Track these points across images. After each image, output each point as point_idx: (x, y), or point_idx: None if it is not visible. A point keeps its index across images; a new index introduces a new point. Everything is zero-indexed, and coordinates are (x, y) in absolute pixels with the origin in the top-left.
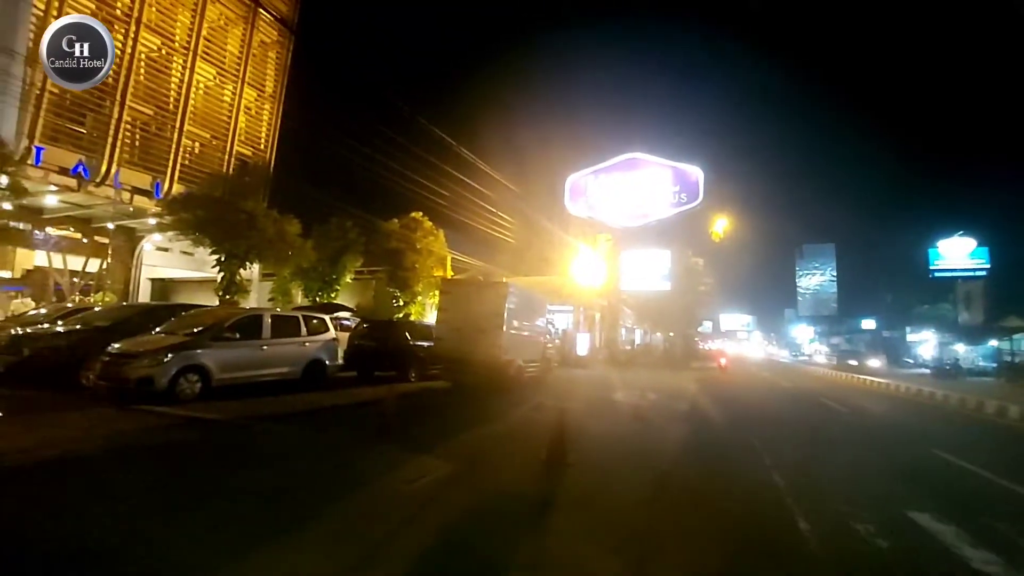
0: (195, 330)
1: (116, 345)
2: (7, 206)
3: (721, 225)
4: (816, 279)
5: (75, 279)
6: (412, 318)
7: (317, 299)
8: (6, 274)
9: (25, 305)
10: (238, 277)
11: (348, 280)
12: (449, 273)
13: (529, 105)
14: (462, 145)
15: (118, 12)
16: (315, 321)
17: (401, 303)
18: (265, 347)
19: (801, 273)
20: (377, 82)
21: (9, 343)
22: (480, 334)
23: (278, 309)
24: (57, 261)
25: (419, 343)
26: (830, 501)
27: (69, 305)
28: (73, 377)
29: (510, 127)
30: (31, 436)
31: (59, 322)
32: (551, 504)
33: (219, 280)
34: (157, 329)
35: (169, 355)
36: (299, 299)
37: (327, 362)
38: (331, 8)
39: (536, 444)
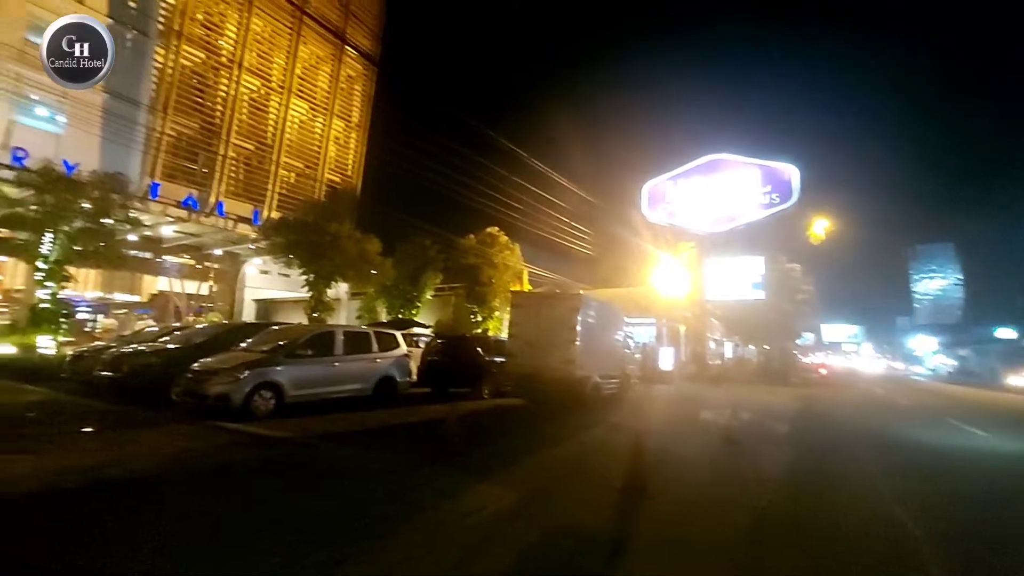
0: (270, 347)
1: (199, 362)
2: (133, 237)
3: (820, 226)
4: (936, 283)
5: (190, 301)
6: (490, 333)
7: (399, 316)
8: (135, 298)
9: (146, 325)
10: (325, 296)
11: (428, 297)
12: (526, 287)
13: (604, 113)
14: (537, 159)
15: (223, 59)
16: (386, 337)
17: (479, 318)
18: (337, 364)
19: (917, 277)
20: (453, 100)
21: (111, 361)
22: (553, 349)
23: (362, 326)
24: (176, 286)
25: (493, 359)
26: (980, 551)
27: (175, 324)
28: (165, 393)
29: (585, 137)
30: (103, 453)
31: (161, 340)
32: (626, 545)
33: (308, 299)
34: (241, 347)
35: (245, 372)
36: (384, 316)
37: (398, 379)
38: (411, 31)
39: (612, 471)
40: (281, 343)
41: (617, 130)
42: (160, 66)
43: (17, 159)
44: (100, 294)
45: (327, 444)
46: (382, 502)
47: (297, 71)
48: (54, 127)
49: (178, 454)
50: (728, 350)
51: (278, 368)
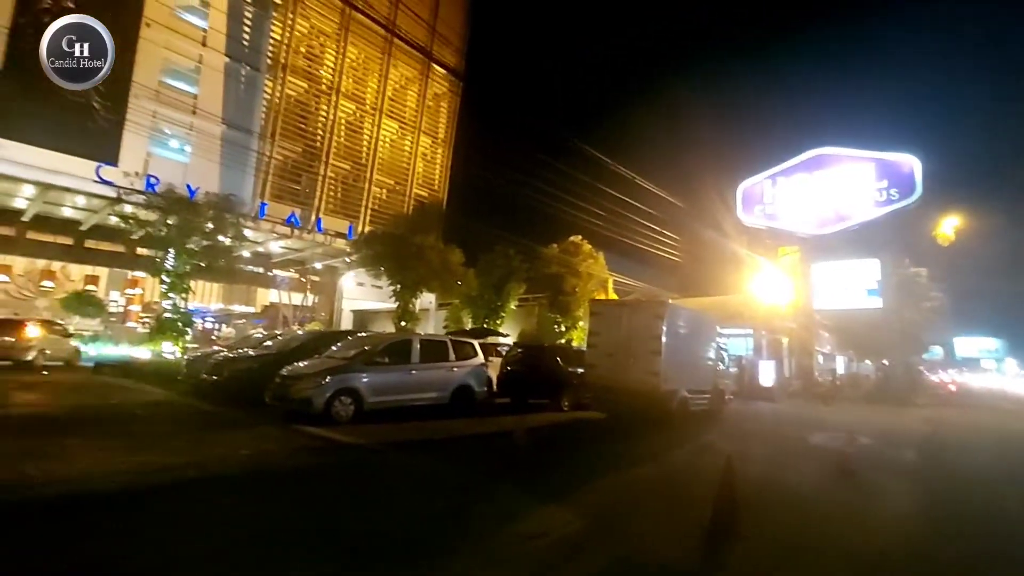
0: (351, 355)
1: (287, 368)
2: (246, 254)
3: (950, 225)
4: None
5: (296, 312)
6: (574, 344)
7: (484, 326)
8: (251, 309)
9: (256, 333)
10: (412, 306)
11: (512, 307)
12: (611, 296)
13: (691, 112)
14: (622, 163)
15: (323, 87)
16: (463, 346)
17: (563, 328)
18: (414, 372)
19: None
20: (535, 107)
21: (215, 365)
22: (635, 360)
23: (438, 335)
24: (284, 298)
25: (573, 370)
26: None
27: (277, 332)
28: (259, 396)
29: (672, 137)
30: (185, 453)
31: (262, 346)
32: None
33: (396, 309)
34: (326, 353)
35: (326, 378)
36: (469, 326)
37: (475, 388)
38: (495, 39)
39: (697, 500)
40: (360, 350)
41: (707, 128)
42: (268, 97)
43: (150, 186)
44: (221, 306)
45: (396, 453)
46: (441, 518)
47: (388, 93)
48: (183, 157)
49: (253, 457)
50: (840, 365)
51: (356, 375)
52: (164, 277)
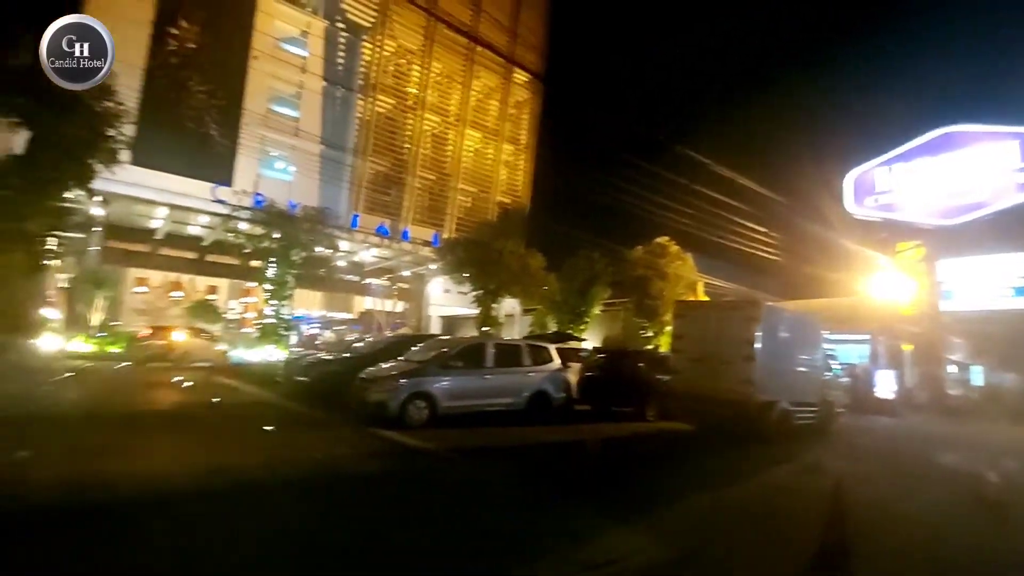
0: (425, 358)
1: (366, 371)
2: (343, 263)
3: None
4: None
5: (388, 318)
6: (661, 349)
7: (569, 331)
8: (349, 316)
9: (352, 338)
10: (493, 311)
11: (597, 312)
12: (702, 299)
13: (791, 97)
14: (712, 158)
15: (410, 102)
16: (540, 351)
17: (649, 333)
18: (488, 376)
19: None
20: (619, 105)
21: (304, 368)
22: (725, 367)
23: (515, 339)
24: (378, 304)
25: (658, 376)
26: None
27: (368, 337)
28: (342, 398)
29: (769, 126)
30: (261, 453)
31: (350, 350)
32: None
33: (478, 314)
34: (404, 356)
35: (400, 381)
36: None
37: (552, 394)
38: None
39: (800, 530)
40: (434, 354)
41: (808, 114)
42: (360, 115)
43: (258, 203)
44: (323, 312)
45: (465, 460)
46: (498, 536)
47: (471, 104)
48: (286, 176)
49: (323, 460)
50: (976, 376)
51: (430, 378)
52: (267, 286)
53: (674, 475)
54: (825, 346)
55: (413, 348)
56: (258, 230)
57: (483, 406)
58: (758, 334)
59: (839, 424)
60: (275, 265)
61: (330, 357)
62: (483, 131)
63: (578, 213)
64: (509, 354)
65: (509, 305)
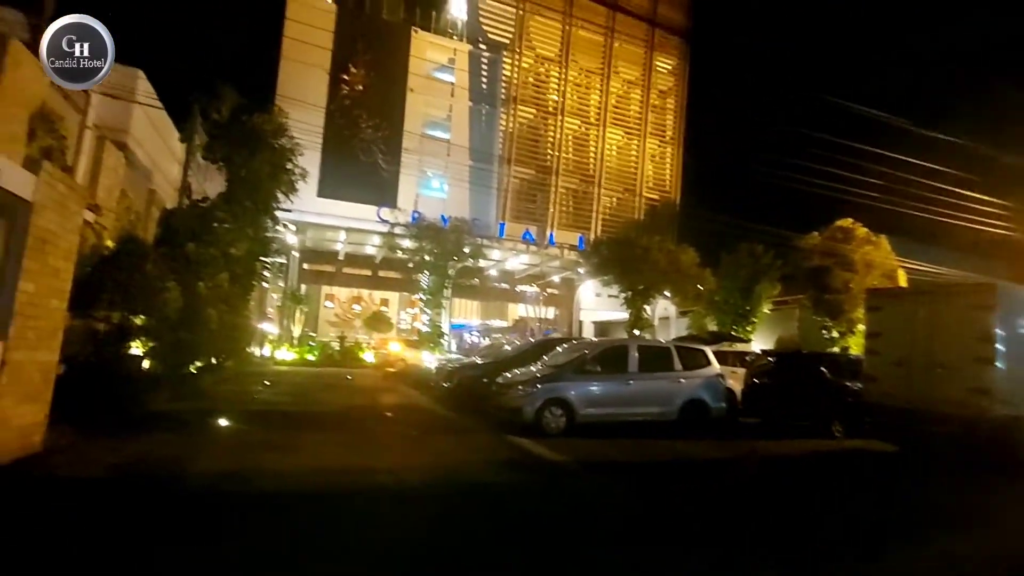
0: (562, 362)
1: (503, 376)
2: (494, 272)
3: None
4: None
5: (539, 324)
6: (851, 351)
7: (732, 332)
8: (504, 323)
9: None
10: (644, 313)
11: (765, 311)
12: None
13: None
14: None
15: (550, 108)
16: (693, 354)
17: (833, 334)
18: (631, 382)
19: None
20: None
21: (448, 373)
22: (943, 371)
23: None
24: (531, 311)
25: (846, 384)
26: None
27: (516, 342)
28: (482, 403)
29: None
30: (394, 457)
31: (497, 355)
32: None
33: (629, 317)
34: (543, 360)
35: (536, 387)
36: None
37: (710, 404)
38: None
39: None
40: (571, 358)
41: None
42: (504, 128)
43: (414, 219)
44: (481, 321)
45: (595, 476)
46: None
47: (611, 102)
48: (441, 193)
49: (451, 467)
50: None
51: (567, 384)
52: (422, 296)
53: (876, 511)
54: None
55: (553, 352)
56: (413, 244)
57: (627, 415)
58: (997, 325)
59: None
60: (429, 276)
61: (471, 362)
62: (625, 127)
63: (735, 204)
64: (656, 357)
65: (663, 307)
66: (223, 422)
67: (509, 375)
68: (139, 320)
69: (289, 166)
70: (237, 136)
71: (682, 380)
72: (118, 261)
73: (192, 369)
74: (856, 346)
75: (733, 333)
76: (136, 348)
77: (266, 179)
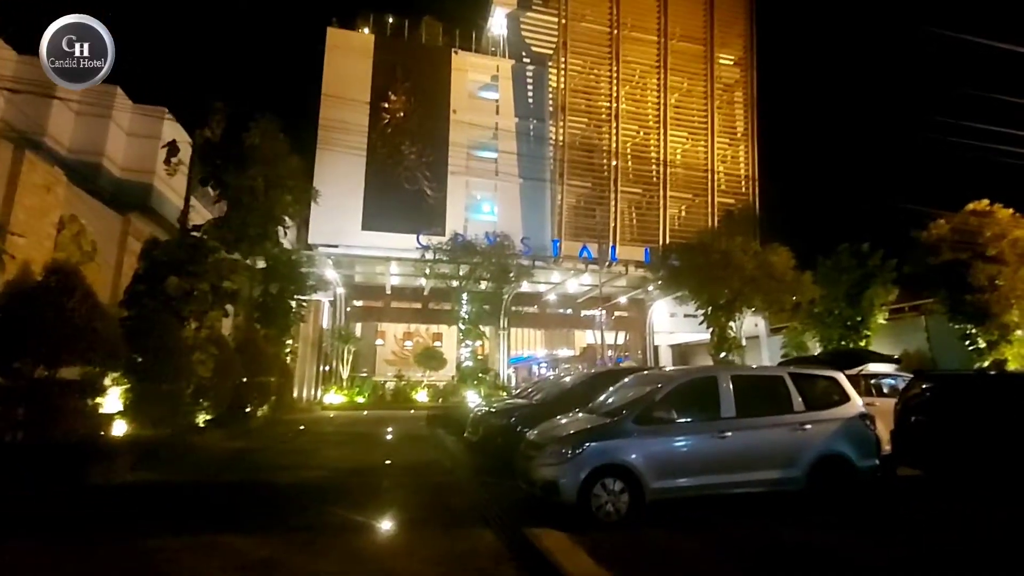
0: (618, 407)
1: (535, 430)
2: (552, 298)
3: None
4: None
5: (609, 351)
6: (1010, 366)
7: (843, 346)
8: (571, 352)
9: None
10: (729, 331)
11: (880, 321)
12: None
13: None
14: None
15: (603, 115)
16: (820, 384)
17: (980, 344)
18: (728, 433)
19: None
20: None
21: (472, 421)
22: None
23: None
24: (598, 337)
25: None
26: None
27: (570, 373)
28: (510, 463)
29: None
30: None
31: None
32: None
33: (711, 338)
34: (592, 404)
35: (577, 448)
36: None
37: (855, 460)
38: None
39: None
40: (633, 400)
41: None
42: (554, 141)
43: (459, 242)
44: (547, 351)
45: None
46: None
47: (671, 102)
48: (492, 216)
49: None
50: None
51: (627, 441)
52: (460, 325)
53: None
54: None
55: (610, 389)
56: (450, 269)
57: (725, 486)
58: None
59: None
60: (468, 301)
61: (501, 407)
62: (688, 128)
63: (828, 199)
64: (763, 392)
65: (750, 324)
66: (134, 510)
67: (543, 428)
68: (87, 370)
69: (291, 184)
70: (225, 153)
71: (808, 426)
72: (37, 298)
73: (199, 422)
74: (1015, 358)
75: (869, 350)
76: (118, 401)
77: (262, 195)
